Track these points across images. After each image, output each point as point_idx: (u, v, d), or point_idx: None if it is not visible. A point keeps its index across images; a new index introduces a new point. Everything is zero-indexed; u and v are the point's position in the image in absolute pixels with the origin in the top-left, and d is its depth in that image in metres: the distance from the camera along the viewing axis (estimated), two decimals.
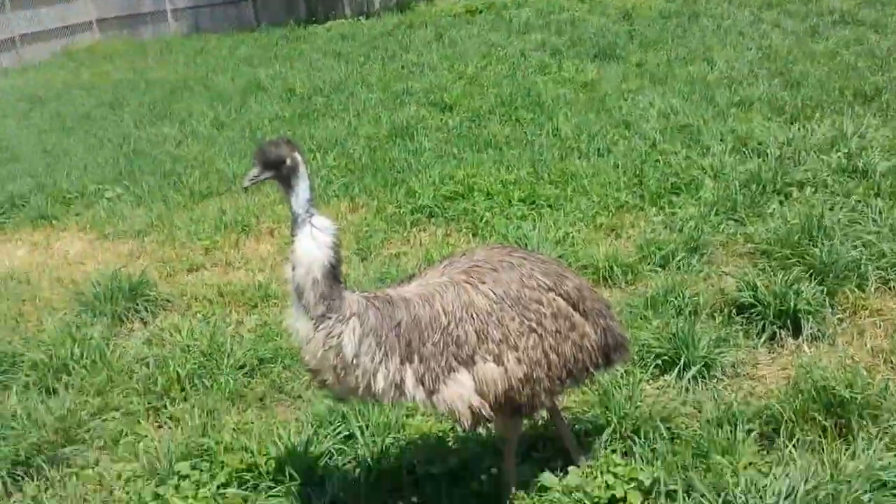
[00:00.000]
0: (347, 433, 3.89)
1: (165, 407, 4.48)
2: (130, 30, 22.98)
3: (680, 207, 6.48)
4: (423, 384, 2.89)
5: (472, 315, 2.94)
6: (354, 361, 2.83)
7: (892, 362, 4.15)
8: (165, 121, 11.71)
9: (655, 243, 5.78)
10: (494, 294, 2.99)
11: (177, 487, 3.66)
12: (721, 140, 7.81)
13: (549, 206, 6.92)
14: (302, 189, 2.79)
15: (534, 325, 3.00)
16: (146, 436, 4.21)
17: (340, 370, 2.85)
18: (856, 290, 4.76)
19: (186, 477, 3.71)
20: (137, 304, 5.79)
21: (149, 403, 4.54)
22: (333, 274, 2.81)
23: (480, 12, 17.71)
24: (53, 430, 4.21)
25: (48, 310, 5.97)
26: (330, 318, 2.81)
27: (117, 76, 16.50)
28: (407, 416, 4.01)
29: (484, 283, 3.01)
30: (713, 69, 10.62)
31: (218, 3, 22.41)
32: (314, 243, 2.77)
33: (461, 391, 2.90)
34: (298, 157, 2.80)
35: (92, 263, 7.05)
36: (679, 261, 5.51)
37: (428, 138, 9.04)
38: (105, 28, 23.29)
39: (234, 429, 4.08)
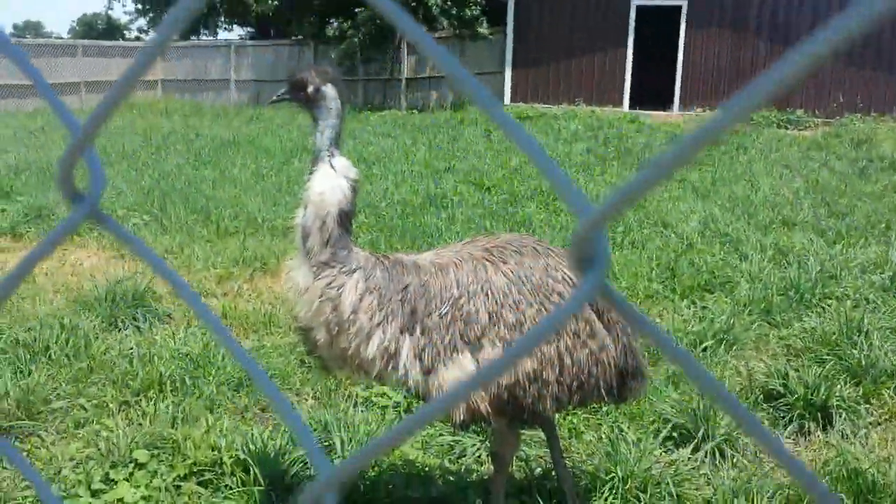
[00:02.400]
0: (328, 444, 3.55)
1: (139, 403, 4.19)
2: (193, 94, 23.77)
3: (713, 303, 6.20)
4: (420, 360, 2.58)
5: (487, 293, 2.65)
6: (351, 317, 2.55)
7: None
8: (208, 167, 11.83)
9: (683, 330, 5.48)
10: (514, 275, 2.70)
11: (131, 475, 3.33)
12: (760, 250, 7.57)
13: None
14: (328, 125, 2.61)
15: None
16: (111, 428, 3.90)
17: (334, 326, 2.56)
18: (894, 395, 4.39)
19: (143, 466, 3.39)
20: (136, 312, 5.57)
21: (123, 398, 4.25)
22: (344, 222, 2.58)
23: (531, 118, 18.02)
24: (16, 404, 3.93)
25: (45, 307, 5.78)
26: (333, 266, 2.56)
27: (170, 128, 16.91)
28: None
29: (505, 262, 2.73)
30: (757, 193, 10.49)
31: (280, 80, 23.14)
32: (329, 183, 2.56)
33: (461, 377, 2.58)
34: (329, 89, 2.62)
35: (102, 277, 6.90)
36: (706, 349, 5.19)
37: (462, 212, 8.94)
38: (169, 89, 24.14)
39: (205, 430, 3.76)
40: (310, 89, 2.60)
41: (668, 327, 5.59)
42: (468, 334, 2.62)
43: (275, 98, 2.72)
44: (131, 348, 4.75)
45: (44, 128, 16.27)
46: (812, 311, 5.97)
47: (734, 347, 5.27)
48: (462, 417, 2.63)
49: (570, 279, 2.79)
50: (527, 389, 2.65)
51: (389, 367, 2.59)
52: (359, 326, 2.56)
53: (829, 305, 6.05)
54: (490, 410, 2.64)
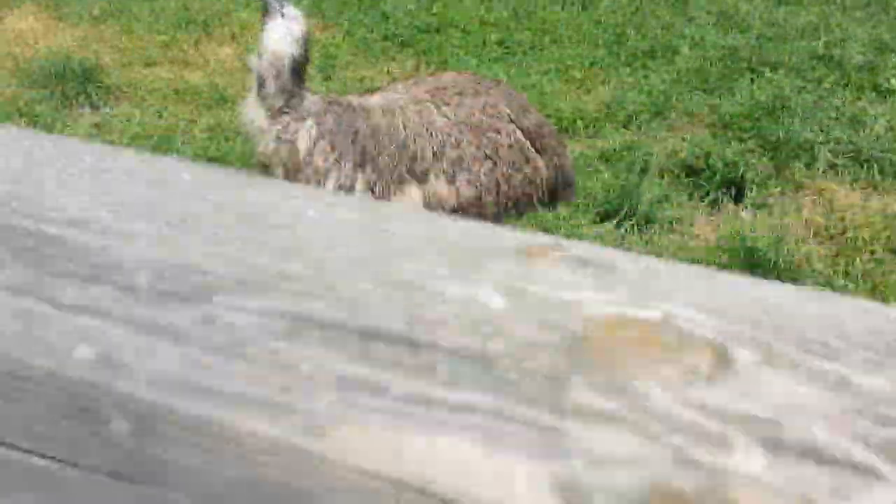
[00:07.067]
0: None
1: None
2: None
3: (653, 71, 6.42)
4: (372, 192, 2.96)
5: (430, 133, 2.98)
6: (307, 159, 2.87)
7: (821, 237, 4.30)
8: None
9: (622, 102, 5.77)
10: (455, 116, 3.02)
11: None
12: (707, 12, 7.65)
13: (524, 53, 6.77)
14: None
15: (489, 152, 3.04)
16: None
17: (291, 167, 2.89)
18: (803, 167, 4.85)
19: None
20: (88, 89, 5.61)
21: None
22: (297, 69, 2.82)
23: None
24: None
25: None
26: (287, 112, 2.83)
27: None
28: None
29: (447, 104, 3.04)
30: None
31: None
32: (281, 33, 2.77)
33: (409, 204, 2.96)
34: None
35: (44, 44, 6.75)
36: (641, 122, 5.52)
37: None
38: None
39: None
40: None
41: (609, 99, 5.86)
42: (414, 169, 2.98)
43: None
44: (93, 133, 4.90)
45: None
46: (745, 79, 6.25)
47: (668, 120, 5.60)
48: None
49: (508, 115, 3.09)
50: (468, 214, 3.03)
51: None
52: (315, 167, 2.89)
53: (762, 73, 6.33)
54: None
